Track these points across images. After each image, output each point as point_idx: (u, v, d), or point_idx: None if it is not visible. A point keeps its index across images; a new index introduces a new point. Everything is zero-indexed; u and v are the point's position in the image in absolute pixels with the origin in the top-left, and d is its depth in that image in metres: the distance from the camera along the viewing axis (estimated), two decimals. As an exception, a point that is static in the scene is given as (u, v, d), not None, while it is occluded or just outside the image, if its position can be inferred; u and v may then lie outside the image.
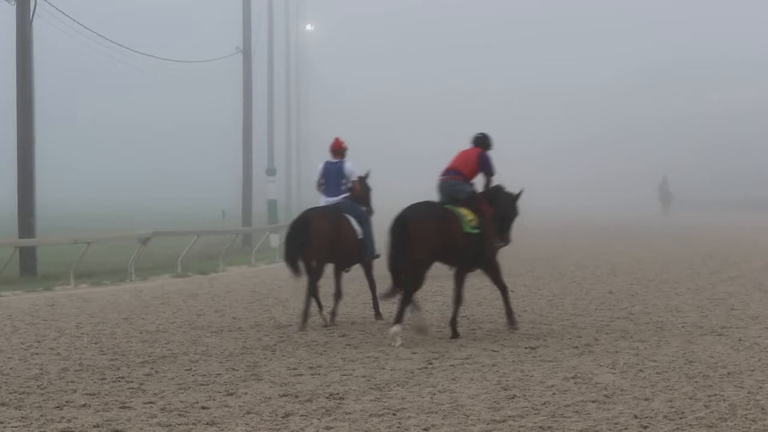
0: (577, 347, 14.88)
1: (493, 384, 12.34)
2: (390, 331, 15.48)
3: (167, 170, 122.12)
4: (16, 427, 10.53)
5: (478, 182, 16.82)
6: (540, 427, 10.29)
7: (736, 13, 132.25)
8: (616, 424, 10.35)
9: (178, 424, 10.54)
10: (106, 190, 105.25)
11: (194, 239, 32.19)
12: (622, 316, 18.26)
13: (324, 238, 17.39)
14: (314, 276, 17.47)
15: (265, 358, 14.34)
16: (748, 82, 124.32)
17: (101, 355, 14.80)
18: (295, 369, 13.48)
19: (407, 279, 15.60)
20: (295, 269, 17.42)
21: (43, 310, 20.53)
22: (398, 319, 15.46)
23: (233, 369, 13.54)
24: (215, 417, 10.82)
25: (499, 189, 16.93)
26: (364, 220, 18.17)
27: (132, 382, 12.76)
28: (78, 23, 33.68)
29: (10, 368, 13.83)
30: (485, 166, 16.60)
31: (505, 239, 16.95)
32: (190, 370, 13.53)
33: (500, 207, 16.77)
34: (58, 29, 33.65)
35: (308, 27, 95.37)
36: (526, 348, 14.88)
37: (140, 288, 25.58)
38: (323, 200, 18.17)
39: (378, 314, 18.30)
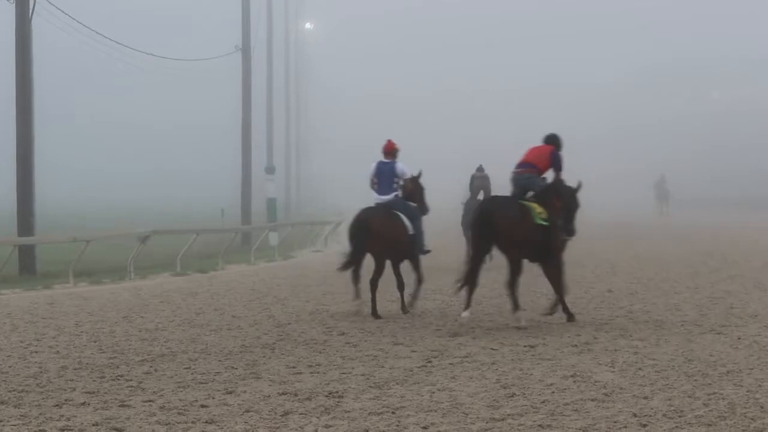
0: (576, 346, 14.88)
1: (493, 382, 12.33)
2: (514, 316, 17.02)
3: (166, 169, 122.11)
4: (15, 425, 10.53)
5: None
6: (539, 425, 10.29)
7: (736, 13, 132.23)
8: (615, 422, 10.34)
9: (177, 423, 10.53)
10: (105, 188, 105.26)
11: (193, 237, 32.19)
12: (621, 315, 18.27)
13: (382, 236, 18.53)
14: (377, 271, 18.70)
15: (264, 357, 14.34)
16: (749, 81, 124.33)
17: (100, 354, 14.80)
18: (294, 367, 13.47)
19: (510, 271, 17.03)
20: (358, 265, 18.71)
21: (42, 309, 20.52)
22: (516, 305, 16.99)
23: (232, 367, 13.54)
24: (214, 415, 10.81)
25: (561, 183, 17.88)
26: (415, 217, 19.00)
27: (131, 380, 12.76)
28: (77, 21, 33.70)
29: (9, 366, 13.82)
30: (556, 163, 17.75)
31: (570, 232, 17.92)
32: (189, 368, 13.52)
33: (565, 200, 17.76)
34: (57, 28, 33.65)
35: (308, 26, 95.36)
36: (525, 346, 14.88)
37: (139, 286, 25.57)
38: (376, 198, 19.11)
39: (412, 302, 19.13)
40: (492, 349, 14.73)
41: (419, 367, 13.35)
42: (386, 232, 18.60)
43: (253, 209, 45.58)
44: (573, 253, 34.26)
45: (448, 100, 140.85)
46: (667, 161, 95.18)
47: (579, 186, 17.92)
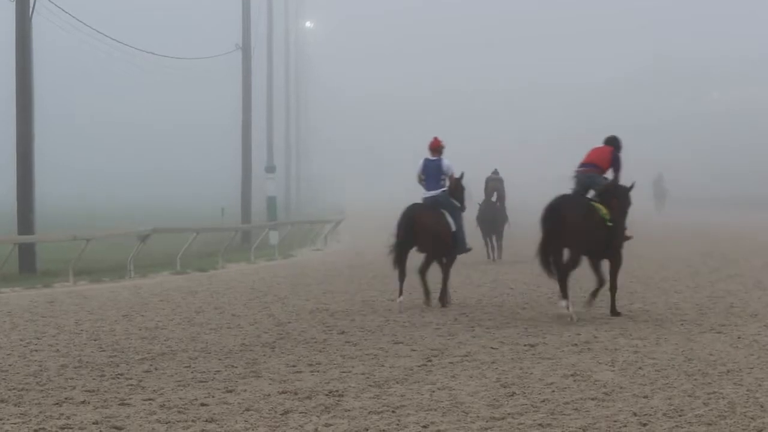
0: (576, 344, 14.88)
1: (493, 381, 12.33)
2: (561, 304, 17.58)
3: (166, 168, 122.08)
4: (15, 423, 10.53)
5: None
6: (539, 424, 10.29)
7: (735, 13, 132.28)
8: (615, 421, 10.34)
9: (177, 421, 10.53)
10: (105, 187, 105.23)
11: (193, 236, 32.19)
12: (621, 314, 18.25)
13: (428, 232, 19.41)
14: (425, 264, 19.64)
15: (264, 355, 14.34)
16: (749, 81, 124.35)
17: (100, 352, 14.80)
18: (294, 366, 13.47)
19: (568, 263, 17.66)
20: (403, 262, 19.45)
21: (42, 307, 20.52)
22: (565, 294, 17.54)
23: (232, 366, 13.53)
24: (214, 414, 10.81)
25: (617, 183, 18.57)
26: (457, 215, 19.87)
27: (131, 379, 12.75)
28: (77, 20, 33.69)
29: (9, 365, 13.82)
30: (616, 164, 18.51)
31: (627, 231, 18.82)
32: (189, 367, 13.52)
33: (621, 199, 18.42)
34: (57, 26, 33.65)
35: (308, 24, 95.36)
36: (525, 345, 14.87)
37: (139, 285, 25.57)
38: (423, 194, 19.94)
39: (445, 300, 19.83)
40: (492, 348, 14.72)
41: (419, 366, 13.35)
42: (431, 227, 19.43)
43: (253, 208, 45.59)
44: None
45: (448, 100, 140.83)
46: (667, 161, 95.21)
47: (633, 185, 18.60)
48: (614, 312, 18.14)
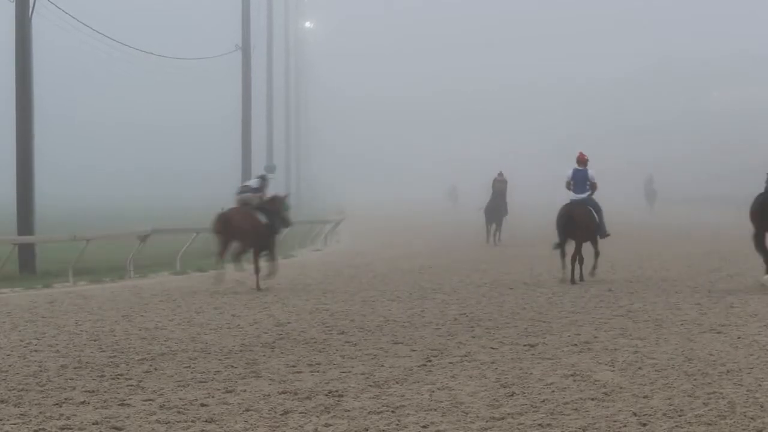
0: (576, 345, 14.88)
1: (492, 381, 12.33)
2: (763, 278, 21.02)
3: (166, 168, 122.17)
4: (15, 424, 10.53)
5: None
6: (539, 424, 10.29)
7: (736, 12, 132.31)
8: (615, 421, 10.34)
9: (177, 422, 10.53)
10: (105, 187, 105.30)
11: (193, 236, 32.16)
12: (621, 314, 18.27)
13: (583, 222, 24.62)
14: (577, 248, 24.50)
15: (264, 356, 14.34)
16: (749, 80, 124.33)
17: (100, 353, 14.79)
18: (294, 366, 13.47)
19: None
20: (563, 247, 24.43)
21: (42, 308, 20.51)
22: None
23: (232, 366, 13.53)
24: (214, 414, 10.81)
25: None
26: (599, 210, 25.15)
27: (131, 379, 12.75)
28: (77, 20, 33.68)
29: (9, 365, 13.81)
30: None
31: None
32: (189, 367, 13.52)
33: None
34: (57, 27, 33.64)
35: (307, 24, 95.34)
36: (525, 345, 14.87)
37: (139, 285, 25.57)
38: (572, 196, 24.96)
39: (593, 271, 24.78)
40: (492, 348, 14.72)
41: (419, 366, 13.35)
42: (583, 220, 24.61)
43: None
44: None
45: (447, 101, 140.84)
46: (668, 159, 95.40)
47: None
48: None
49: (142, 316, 19.00)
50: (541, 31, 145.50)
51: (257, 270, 24.02)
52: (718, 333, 15.90)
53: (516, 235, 42.19)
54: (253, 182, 25.94)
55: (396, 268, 29.40)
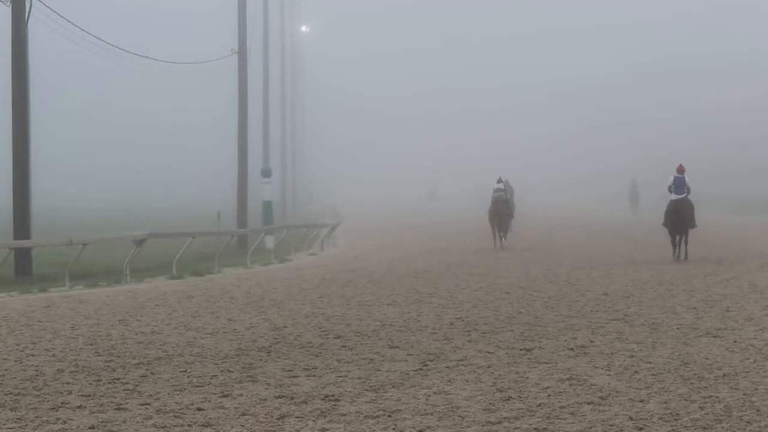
0: (572, 349, 14.89)
1: (489, 386, 12.34)
2: None
3: (163, 170, 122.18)
4: (11, 428, 10.53)
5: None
6: (535, 428, 10.30)
7: (733, 9, 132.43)
8: (611, 425, 10.35)
9: (174, 426, 10.53)
10: (104, 189, 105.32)
11: (189, 241, 32.15)
12: (617, 318, 18.28)
13: (685, 214, 32.34)
14: (681, 233, 32.44)
15: (260, 360, 14.34)
16: (741, 79, 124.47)
17: (96, 357, 14.79)
18: (290, 371, 13.47)
19: None
20: (675, 233, 32.37)
21: (38, 312, 20.50)
22: None
23: (228, 370, 13.54)
24: (210, 418, 10.82)
25: None
26: (693, 206, 32.79)
27: (127, 383, 12.75)
28: (73, 24, 33.63)
29: (6, 369, 13.81)
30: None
31: None
32: (186, 371, 13.52)
33: None
34: (53, 30, 33.61)
35: (303, 29, 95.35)
36: (521, 350, 14.88)
37: (135, 289, 25.54)
38: (674, 197, 32.73)
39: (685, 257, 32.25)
40: (488, 352, 14.73)
41: (415, 371, 13.36)
42: (686, 212, 32.37)
43: (250, 212, 45.52)
44: (572, 254, 34.43)
45: (446, 100, 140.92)
46: (662, 159, 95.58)
47: None
48: None
49: (138, 320, 19.00)
50: (536, 29, 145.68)
51: None
52: (714, 337, 15.92)
53: (516, 235, 42.52)
54: None
55: (392, 271, 29.41)
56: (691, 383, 12.34)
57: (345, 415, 10.92)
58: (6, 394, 12.11)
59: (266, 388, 12.32)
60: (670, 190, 32.93)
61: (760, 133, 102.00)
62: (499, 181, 42.05)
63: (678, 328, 16.87)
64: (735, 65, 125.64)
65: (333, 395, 11.86)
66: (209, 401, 11.64)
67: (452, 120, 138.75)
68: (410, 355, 14.60)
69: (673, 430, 10.23)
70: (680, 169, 33.10)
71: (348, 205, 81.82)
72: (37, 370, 13.71)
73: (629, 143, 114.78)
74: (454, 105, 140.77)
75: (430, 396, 11.77)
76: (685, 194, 32.72)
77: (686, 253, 32.21)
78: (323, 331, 17.20)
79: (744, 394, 11.69)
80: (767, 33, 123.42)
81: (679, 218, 32.33)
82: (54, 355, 15.01)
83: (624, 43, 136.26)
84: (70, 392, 12.24)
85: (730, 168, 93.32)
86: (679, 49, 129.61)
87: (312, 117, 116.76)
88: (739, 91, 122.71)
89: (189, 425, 10.55)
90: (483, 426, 10.42)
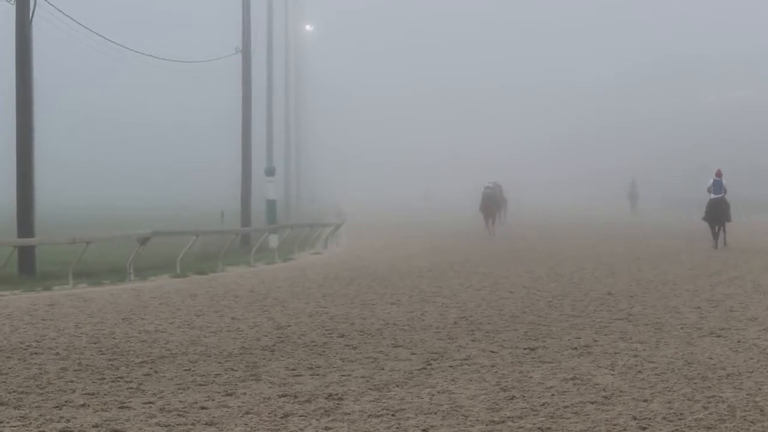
0: (576, 348, 14.89)
1: (492, 385, 12.34)
2: None
3: (165, 168, 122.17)
4: (15, 426, 10.53)
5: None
6: (539, 428, 10.30)
7: (733, 9, 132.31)
8: (615, 425, 10.35)
9: (177, 425, 10.54)
10: (105, 187, 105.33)
11: (193, 239, 32.17)
12: (621, 318, 18.28)
13: (722, 210, 37.45)
14: (720, 226, 37.73)
15: (264, 359, 14.34)
16: (741, 79, 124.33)
17: (100, 355, 14.79)
18: (294, 369, 13.47)
19: None
20: (714, 226, 37.62)
21: (42, 310, 20.51)
22: None
23: (232, 369, 13.54)
24: (214, 417, 10.82)
25: None
26: (728, 204, 37.60)
27: (131, 382, 12.76)
28: (77, 23, 33.64)
29: (9, 368, 13.81)
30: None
31: None
32: (189, 370, 13.53)
33: None
34: (58, 29, 33.62)
35: (308, 27, 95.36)
36: (525, 349, 14.88)
37: (139, 288, 25.55)
38: (713, 196, 37.90)
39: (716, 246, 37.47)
40: (492, 351, 14.73)
41: (419, 370, 13.36)
42: (724, 209, 37.34)
43: (253, 211, 45.54)
44: (574, 254, 34.44)
45: (446, 100, 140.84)
46: (661, 159, 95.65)
47: None
48: None
49: (142, 318, 19.01)
50: (534, 28, 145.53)
51: None
52: (718, 337, 15.91)
53: (516, 236, 42.46)
54: None
55: (395, 270, 29.41)
56: (695, 383, 12.34)
57: (348, 414, 10.92)
58: (10, 393, 12.12)
59: (270, 387, 12.32)
60: (709, 191, 38.37)
61: (760, 133, 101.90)
62: (491, 183, 49.40)
63: (682, 328, 16.87)
64: (735, 65, 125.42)
65: (336, 394, 11.86)
66: (213, 400, 11.64)
67: (452, 120, 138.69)
68: (414, 354, 14.60)
69: (676, 429, 10.22)
70: (718, 173, 38.48)
71: (349, 204, 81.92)
72: (40, 369, 13.72)
73: (629, 143, 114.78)
74: (454, 105, 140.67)
75: (433, 395, 11.77)
76: (722, 194, 37.96)
77: (725, 242, 37.29)
78: (327, 330, 17.21)
79: (748, 394, 11.69)
80: (767, 33, 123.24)
81: (720, 213, 37.61)
82: (57, 353, 15.01)
83: (624, 43, 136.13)
84: (74, 391, 12.24)
85: (731, 168, 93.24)
86: (679, 49, 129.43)
87: (313, 117, 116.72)
88: (739, 91, 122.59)
89: (192, 424, 10.55)
90: (487, 425, 10.41)
